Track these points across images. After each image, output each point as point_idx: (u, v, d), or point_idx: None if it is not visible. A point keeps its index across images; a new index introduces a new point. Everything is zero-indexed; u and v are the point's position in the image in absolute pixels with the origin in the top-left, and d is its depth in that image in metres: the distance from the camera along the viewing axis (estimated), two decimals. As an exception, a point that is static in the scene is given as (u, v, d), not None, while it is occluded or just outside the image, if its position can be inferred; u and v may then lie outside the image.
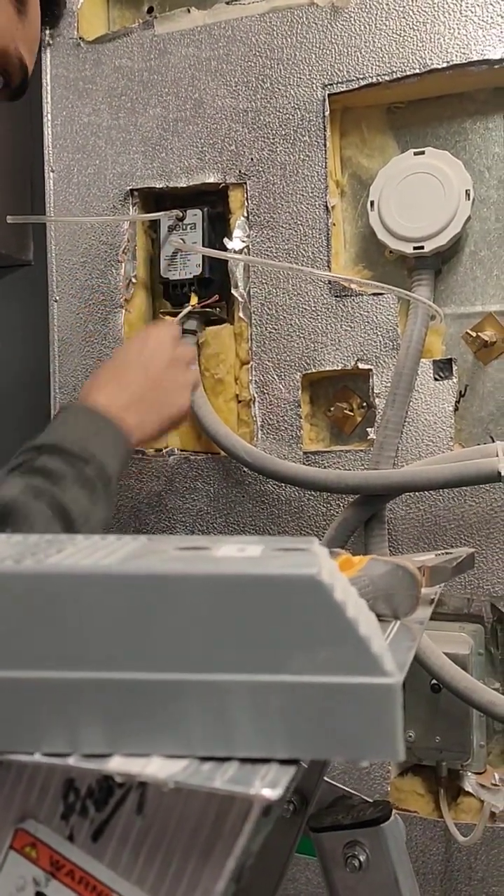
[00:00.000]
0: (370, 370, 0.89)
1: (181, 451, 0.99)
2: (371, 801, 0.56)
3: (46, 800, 0.25)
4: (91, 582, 0.24)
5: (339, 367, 0.90)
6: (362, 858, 0.50)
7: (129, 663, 0.24)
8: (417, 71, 0.86)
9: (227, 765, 0.23)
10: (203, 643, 0.24)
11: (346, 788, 0.56)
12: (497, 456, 0.78)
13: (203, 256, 0.94)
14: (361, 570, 0.40)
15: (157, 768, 0.23)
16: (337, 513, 0.89)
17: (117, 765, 0.24)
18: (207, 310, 0.95)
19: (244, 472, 0.93)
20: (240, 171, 0.94)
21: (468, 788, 0.85)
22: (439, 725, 0.83)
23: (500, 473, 0.76)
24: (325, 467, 0.90)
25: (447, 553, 0.45)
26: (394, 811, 0.54)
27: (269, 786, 0.22)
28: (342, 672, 0.23)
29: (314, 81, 0.90)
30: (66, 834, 0.26)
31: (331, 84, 0.89)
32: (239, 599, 0.24)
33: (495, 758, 0.87)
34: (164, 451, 0.98)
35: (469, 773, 0.85)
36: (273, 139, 0.92)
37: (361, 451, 0.89)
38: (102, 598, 0.24)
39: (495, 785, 0.84)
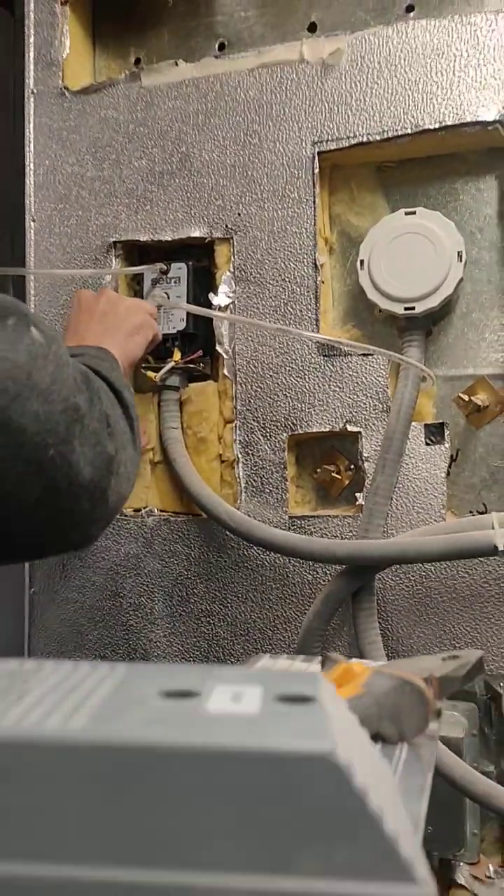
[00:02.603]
0: (359, 432, 0.86)
1: (161, 511, 0.94)
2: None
3: None
4: (54, 752, 0.20)
5: (327, 429, 0.87)
6: None
7: (95, 857, 0.20)
8: (409, 131, 0.84)
9: None
10: (189, 833, 0.20)
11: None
12: (493, 528, 0.74)
13: (187, 311, 0.91)
14: (364, 686, 0.35)
15: None
16: (324, 580, 0.85)
17: None
18: (191, 366, 0.92)
19: (227, 535, 0.89)
20: (226, 226, 0.91)
21: (461, 881, 0.80)
22: (431, 813, 0.78)
23: (496, 547, 0.73)
24: (311, 532, 0.86)
25: (454, 657, 0.41)
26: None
27: None
28: (362, 877, 0.19)
29: (304, 138, 0.88)
30: None
31: (320, 141, 0.88)
32: (234, 778, 0.20)
33: (489, 846, 0.82)
34: (142, 511, 0.94)
35: (462, 864, 0.80)
36: (261, 195, 0.90)
37: (349, 516, 0.86)
38: (67, 773, 0.20)
39: (489, 877, 0.79)
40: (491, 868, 0.79)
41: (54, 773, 0.20)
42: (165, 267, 0.92)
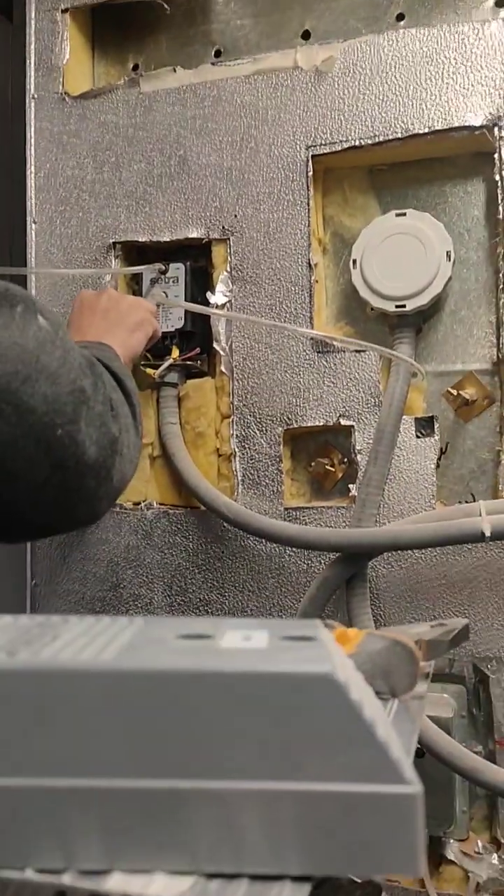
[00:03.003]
0: (352, 426, 0.89)
1: (160, 504, 0.97)
2: (359, 881, 0.54)
3: (35, 915, 0.23)
4: (90, 680, 0.23)
5: (321, 423, 0.90)
6: None
7: (128, 769, 0.22)
8: (400, 135, 0.87)
9: (236, 883, 0.22)
10: (209, 747, 0.22)
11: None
12: (480, 515, 0.77)
13: (185, 310, 0.94)
14: (358, 646, 0.38)
15: (160, 888, 0.21)
16: (318, 569, 0.88)
17: (116, 884, 0.22)
18: (189, 363, 0.95)
19: (224, 527, 0.92)
20: (223, 227, 0.94)
21: (451, 857, 0.83)
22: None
23: (483, 533, 0.76)
24: (306, 523, 0.89)
25: (442, 624, 0.44)
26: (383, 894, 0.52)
27: (282, 909, 0.21)
28: (359, 779, 0.22)
29: (298, 142, 0.91)
30: None
31: (314, 145, 0.91)
32: (248, 698, 0.22)
33: (478, 823, 0.85)
34: (142, 504, 0.97)
35: (452, 841, 0.83)
36: (257, 197, 0.93)
37: (343, 507, 0.89)
38: (102, 698, 0.23)
39: (478, 853, 0.82)
40: (479, 844, 0.82)
41: (90, 696, 0.23)
42: (164, 267, 0.95)
